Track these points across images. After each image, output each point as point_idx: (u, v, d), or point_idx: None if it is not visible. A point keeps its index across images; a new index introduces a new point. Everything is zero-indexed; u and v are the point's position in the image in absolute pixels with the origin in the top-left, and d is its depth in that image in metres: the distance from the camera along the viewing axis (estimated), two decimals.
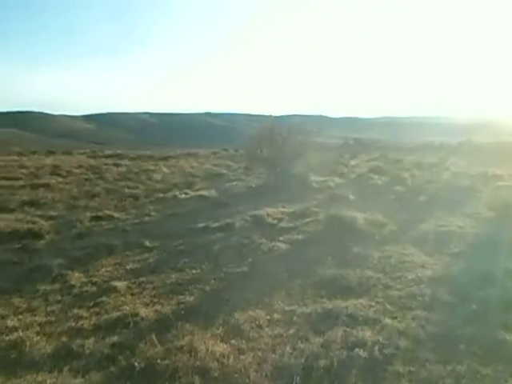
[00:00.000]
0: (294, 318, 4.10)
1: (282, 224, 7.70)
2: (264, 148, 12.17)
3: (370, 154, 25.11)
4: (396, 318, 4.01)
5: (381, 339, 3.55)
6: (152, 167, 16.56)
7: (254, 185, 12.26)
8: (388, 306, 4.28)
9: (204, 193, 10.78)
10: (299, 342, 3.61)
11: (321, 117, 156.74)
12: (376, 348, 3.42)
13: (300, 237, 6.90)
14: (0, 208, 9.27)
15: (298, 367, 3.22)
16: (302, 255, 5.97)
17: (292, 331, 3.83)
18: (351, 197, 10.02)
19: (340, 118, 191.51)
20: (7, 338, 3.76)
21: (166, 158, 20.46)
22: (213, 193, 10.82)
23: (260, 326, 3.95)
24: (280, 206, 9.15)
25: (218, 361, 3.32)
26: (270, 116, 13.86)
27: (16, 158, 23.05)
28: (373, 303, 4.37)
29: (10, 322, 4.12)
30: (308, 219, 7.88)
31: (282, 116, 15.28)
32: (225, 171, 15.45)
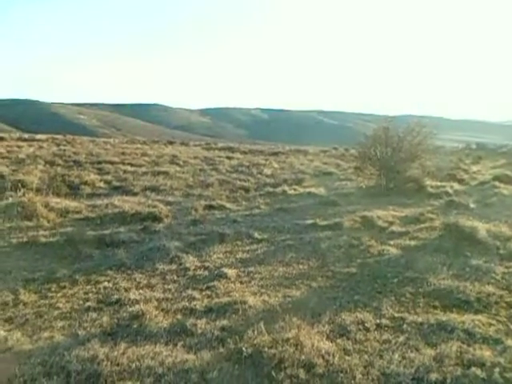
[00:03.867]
0: (404, 325, 3.93)
1: (393, 228, 7.41)
2: (378, 148, 11.80)
3: (495, 160, 23.01)
4: None
5: (502, 361, 3.26)
6: (262, 162, 16.95)
7: (364, 185, 11.97)
8: None
9: (313, 190, 10.78)
10: (409, 351, 3.46)
11: (440, 118, 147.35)
12: (496, 370, 3.15)
13: (412, 243, 6.58)
14: (125, 191, 10.20)
15: (406, 377, 3.09)
16: (413, 262, 5.69)
17: (401, 339, 3.68)
18: (472, 205, 9.31)
19: (462, 120, 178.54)
20: (130, 309, 4.13)
21: (276, 154, 20.82)
22: (322, 191, 10.79)
23: (367, 329, 3.86)
24: (391, 209, 8.82)
25: (323, 358, 3.31)
26: (387, 116, 13.34)
27: (139, 146, 24.99)
28: (493, 321, 4.03)
29: (132, 295, 4.52)
30: (422, 225, 7.48)
31: (398, 116, 14.63)
32: (334, 170, 15.30)
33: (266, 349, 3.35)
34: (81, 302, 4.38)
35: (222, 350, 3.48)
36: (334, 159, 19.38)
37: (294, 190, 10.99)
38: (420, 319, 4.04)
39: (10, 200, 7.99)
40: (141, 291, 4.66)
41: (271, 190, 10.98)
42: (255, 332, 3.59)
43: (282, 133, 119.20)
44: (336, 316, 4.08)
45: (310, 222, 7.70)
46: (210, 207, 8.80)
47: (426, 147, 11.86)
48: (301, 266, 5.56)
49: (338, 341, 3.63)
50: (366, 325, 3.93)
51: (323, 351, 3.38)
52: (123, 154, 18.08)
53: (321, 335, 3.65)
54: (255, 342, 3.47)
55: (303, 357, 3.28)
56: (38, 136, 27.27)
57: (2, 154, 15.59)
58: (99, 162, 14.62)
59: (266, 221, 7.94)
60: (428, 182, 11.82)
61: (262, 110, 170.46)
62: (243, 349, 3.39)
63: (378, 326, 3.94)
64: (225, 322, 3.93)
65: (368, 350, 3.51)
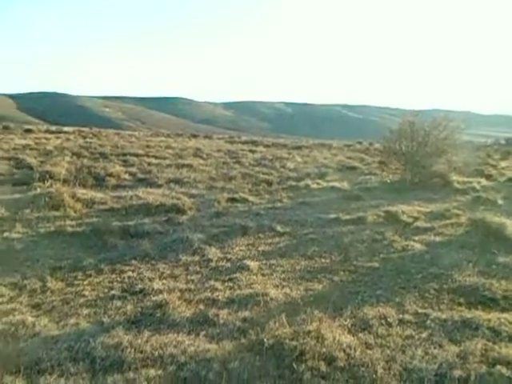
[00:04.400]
0: (428, 321, 3.88)
1: (418, 223, 7.30)
2: (403, 143, 11.62)
3: None
4: None
5: None
6: (286, 155, 16.90)
7: (388, 180, 11.81)
8: None
9: (336, 184, 10.70)
10: (432, 347, 3.42)
11: (468, 113, 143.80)
12: None
13: (437, 239, 6.48)
14: (150, 183, 10.33)
15: (429, 373, 3.05)
16: (438, 258, 5.60)
17: (424, 335, 3.64)
18: (500, 201, 9.10)
19: (492, 115, 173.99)
20: (154, 299, 4.20)
21: (299, 148, 20.73)
22: (345, 185, 10.69)
23: (390, 324, 3.82)
24: (416, 205, 8.69)
25: (344, 351, 3.30)
26: (412, 110, 13.11)
27: (164, 139, 25.21)
28: None
29: (155, 285, 4.59)
30: (447, 221, 7.36)
31: (424, 110, 14.37)
32: (358, 164, 15.14)
33: (288, 341, 3.36)
34: (106, 291, 4.47)
35: (243, 340, 3.50)
36: (358, 153, 19.17)
37: (317, 183, 10.93)
38: (444, 316, 3.99)
39: (38, 190, 8.18)
40: (164, 281, 4.72)
41: (294, 183, 10.95)
42: (276, 324, 3.60)
43: (306, 127, 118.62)
44: (358, 310, 4.06)
45: (332, 216, 7.66)
46: (233, 200, 8.84)
47: (452, 142, 11.62)
48: (323, 260, 5.54)
49: (360, 335, 3.62)
50: (388, 320, 3.90)
51: (344, 345, 3.37)
52: (148, 146, 18.27)
53: (342, 329, 3.64)
54: (276, 333, 3.48)
55: (324, 349, 3.28)
56: (65, 128, 27.79)
57: (31, 145, 15.95)
58: (124, 155, 14.82)
59: (289, 214, 7.93)
60: (454, 177, 11.59)
61: (286, 104, 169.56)
62: (264, 340, 3.41)
63: (401, 321, 3.90)
64: (246, 314, 3.96)
65: (390, 344, 3.48)
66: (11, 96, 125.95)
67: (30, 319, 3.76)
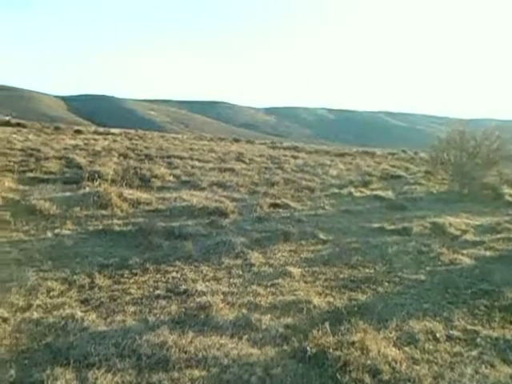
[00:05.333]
0: (478, 339, 3.74)
1: (467, 237, 7.05)
2: (451, 152, 11.27)
3: None
4: None
5: None
6: (328, 162, 16.76)
7: (435, 191, 11.48)
8: None
9: (380, 193, 10.50)
10: (483, 366, 3.29)
11: None
12: None
13: (488, 253, 6.24)
14: (193, 186, 10.49)
15: None
16: (489, 274, 5.39)
17: (474, 353, 3.50)
18: None
19: None
20: (198, 300, 4.24)
21: (342, 155, 20.51)
22: (389, 194, 10.48)
23: (437, 340, 3.71)
24: (464, 217, 8.40)
25: (389, 365, 3.22)
26: (461, 119, 12.71)
27: (206, 143, 25.59)
28: None
29: (199, 287, 4.63)
30: (498, 235, 7.07)
31: (474, 120, 13.91)
32: (403, 173, 14.80)
33: (331, 350, 3.32)
34: (151, 290, 4.56)
35: (286, 347, 3.49)
36: (403, 162, 18.76)
37: (361, 192, 10.76)
38: (495, 334, 3.83)
39: (87, 189, 8.47)
40: (207, 283, 4.77)
41: (337, 191, 10.84)
42: (320, 332, 3.56)
43: (348, 134, 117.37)
44: (403, 323, 3.96)
45: (376, 225, 7.52)
46: (275, 205, 8.84)
47: (505, 153, 11.17)
48: (367, 270, 5.45)
49: (406, 349, 3.52)
50: (435, 335, 3.78)
51: (390, 358, 3.29)
52: (191, 149, 18.60)
53: (387, 341, 3.56)
54: (320, 342, 3.44)
55: (369, 362, 3.21)
56: (112, 130, 28.73)
57: (80, 146, 16.58)
58: (169, 157, 15.13)
59: (331, 222, 7.85)
60: (506, 189, 11.13)
61: (328, 110, 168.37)
62: (307, 348, 3.38)
63: (449, 337, 3.78)
64: (289, 320, 3.94)
65: (438, 361, 3.37)
66: (63, 98, 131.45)
67: (79, 314, 3.88)
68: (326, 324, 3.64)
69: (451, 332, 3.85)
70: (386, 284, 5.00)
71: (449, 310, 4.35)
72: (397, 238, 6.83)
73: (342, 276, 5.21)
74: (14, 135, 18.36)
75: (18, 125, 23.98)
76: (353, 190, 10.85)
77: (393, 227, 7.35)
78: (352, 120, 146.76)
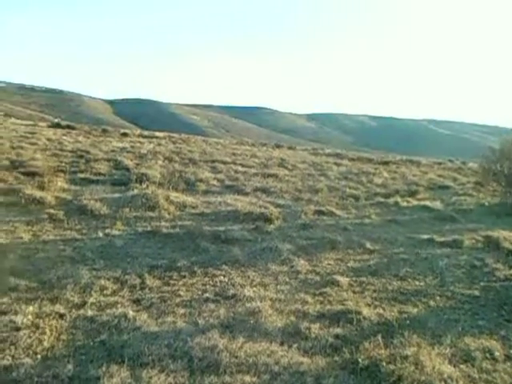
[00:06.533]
0: None
1: None
2: (505, 163, 10.82)
3: None
4: None
5: None
6: (372, 170, 16.46)
7: (487, 203, 11.05)
8: None
9: (428, 203, 10.20)
10: None
11: None
12: None
13: None
14: (237, 191, 10.53)
15: None
16: None
17: None
18: None
19: None
20: (247, 305, 4.26)
21: (386, 163, 20.09)
22: (437, 205, 10.16)
23: (495, 359, 3.56)
24: None
25: (445, 382, 3.13)
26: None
27: (248, 148, 25.68)
28: None
29: (247, 292, 4.64)
30: None
31: None
32: (451, 184, 14.35)
33: (384, 363, 3.25)
34: (199, 293, 4.61)
35: (336, 357, 3.44)
36: (450, 172, 18.19)
37: (407, 201, 10.49)
38: None
39: (135, 191, 8.67)
40: (255, 289, 4.77)
41: (382, 200, 10.61)
42: (372, 344, 3.50)
43: (390, 141, 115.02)
44: (458, 340, 3.83)
45: (425, 236, 7.31)
46: (320, 212, 8.75)
47: None
48: (417, 283, 5.30)
49: (462, 366, 3.41)
50: (493, 354, 3.63)
51: (445, 375, 3.20)
52: (234, 154, 18.72)
53: (442, 358, 3.44)
54: (372, 354, 3.38)
55: (423, 377, 3.13)
56: (157, 133, 29.34)
57: (127, 148, 17.00)
58: (212, 161, 15.29)
59: (378, 231, 7.69)
60: None
61: (371, 118, 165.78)
62: (359, 360, 3.33)
63: (508, 357, 3.62)
64: (339, 330, 3.89)
65: (497, 381, 3.25)
66: (109, 101, 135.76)
67: (131, 313, 3.97)
68: (378, 336, 3.57)
69: (510, 352, 3.69)
70: (438, 298, 4.85)
71: (506, 328, 4.18)
72: (447, 251, 6.62)
73: (390, 288, 5.09)
74: (65, 137, 19.04)
75: (68, 127, 24.88)
76: (399, 199, 10.59)
77: (443, 239, 7.12)
78: (394, 127, 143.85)
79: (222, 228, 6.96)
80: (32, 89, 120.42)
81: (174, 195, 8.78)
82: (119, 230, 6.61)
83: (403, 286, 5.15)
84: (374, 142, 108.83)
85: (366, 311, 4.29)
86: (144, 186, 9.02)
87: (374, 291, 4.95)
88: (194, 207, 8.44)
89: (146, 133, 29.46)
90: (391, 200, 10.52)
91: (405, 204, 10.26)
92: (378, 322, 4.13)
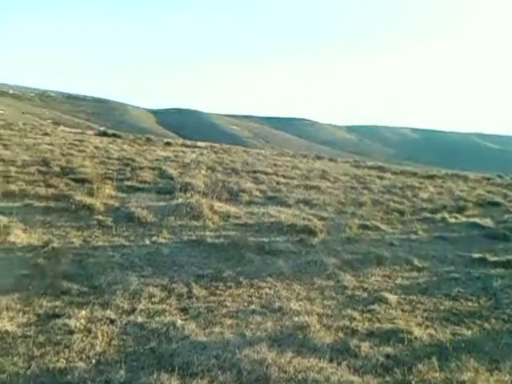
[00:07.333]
0: None
1: None
2: None
3: None
4: None
5: None
6: (417, 184, 16.04)
7: None
8: None
9: (477, 220, 9.82)
10: None
11: None
12: None
13: None
14: (280, 202, 10.50)
15: None
16: None
17: None
18: None
19: None
20: (295, 319, 4.21)
21: (431, 177, 19.55)
22: (488, 222, 9.76)
23: None
24: None
25: None
26: None
27: (289, 159, 25.61)
28: None
29: (293, 305, 4.60)
30: None
31: None
32: (501, 200, 13.77)
33: None
34: (245, 304, 4.60)
35: (388, 378, 3.35)
36: (500, 188, 17.48)
37: (455, 218, 10.14)
38: None
39: (180, 200, 8.81)
40: (301, 303, 4.72)
41: (429, 215, 10.30)
42: (425, 366, 3.39)
43: (433, 154, 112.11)
44: None
45: (476, 255, 7.02)
46: (364, 227, 8.59)
47: None
48: (470, 303, 5.09)
49: None
50: None
51: None
52: (275, 165, 18.71)
53: None
54: (426, 377, 3.28)
55: None
56: (199, 143, 29.80)
57: (171, 157, 17.32)
58: (254, 172, 15.32)
59: (425, 248, 7.46)
60: None
61: (413, 130, 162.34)
62: (412, 382, 3.23)
63: None
64: (389, 350, 3.78)
65: None
66: (152, 111, 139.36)
67: (179, 322, 4.01)
68: (433, 358, 3.44)
69: None
70: (493, 321, 4.64)
71: None
72: (501, 271, 6.33)
73: (442, 307, 4.91)
74: (111, 145, 19.63)
75: (114, 135, 25.67)
76: (446, 215, 10.25)
77: (496, 258, 6.83)
78: (437, 140, 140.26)
79: (265, 239, 6.94)
80: (78, 98, 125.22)
81: (217, 205, 8.85)
82: (165, 238, 6.71)
83: (455, 307, 4.96)
84: (416, 156, 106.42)
85: (417, 331, 4.15)
86: (188, 195, 9.14)
87: (425, 311, 4.79)
88: (237, 217, 8.47)
89: (188, 142, 29.98)
90: (438, 216, 10.20)
91: (453, 220, 9.92)
92: (430, 343, 3.99)
